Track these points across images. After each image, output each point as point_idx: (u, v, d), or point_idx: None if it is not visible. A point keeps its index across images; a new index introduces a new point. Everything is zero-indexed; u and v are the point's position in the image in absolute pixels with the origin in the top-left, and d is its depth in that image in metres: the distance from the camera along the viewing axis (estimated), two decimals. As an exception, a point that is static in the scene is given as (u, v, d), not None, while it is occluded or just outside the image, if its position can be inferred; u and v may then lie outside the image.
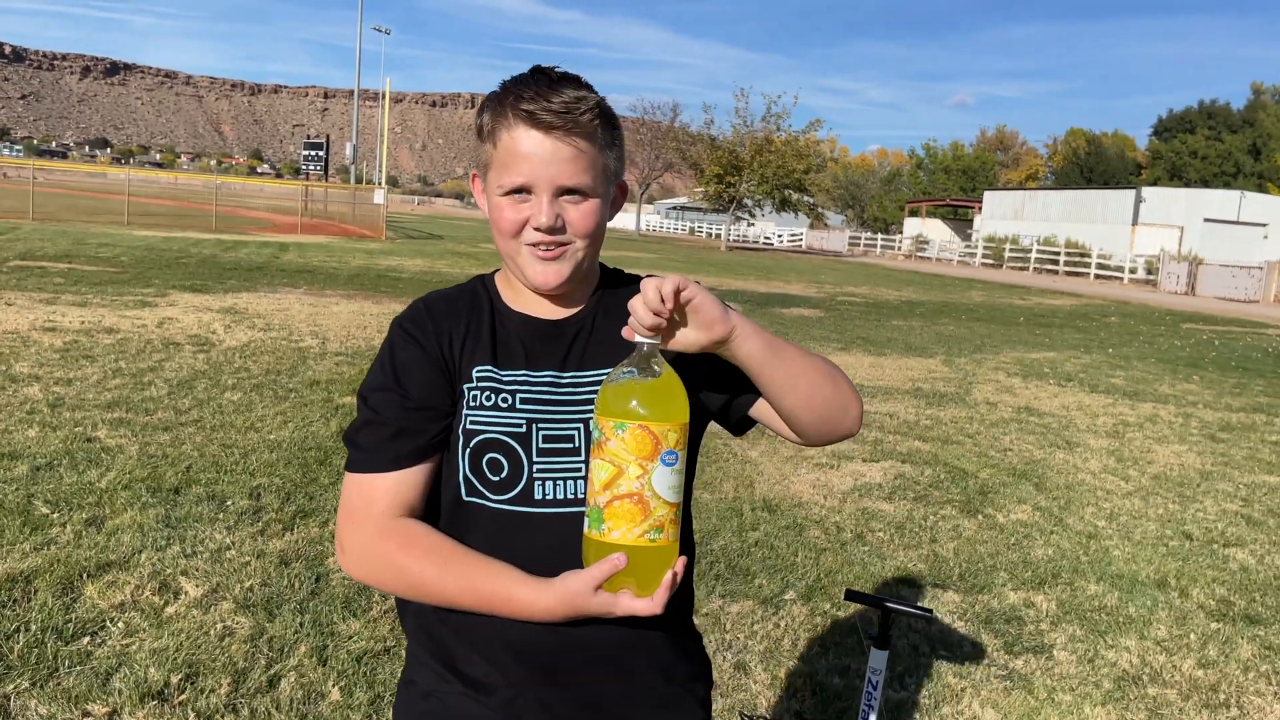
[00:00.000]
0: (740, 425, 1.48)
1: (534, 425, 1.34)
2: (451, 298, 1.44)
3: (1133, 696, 3.60)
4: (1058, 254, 48.25)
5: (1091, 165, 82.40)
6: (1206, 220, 47.35)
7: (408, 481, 1.34)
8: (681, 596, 1.36)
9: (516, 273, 1.39)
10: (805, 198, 52.90)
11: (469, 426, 1.34)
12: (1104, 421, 9.01)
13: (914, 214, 71.71)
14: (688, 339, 1.25)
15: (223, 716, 2.95)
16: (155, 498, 4.82)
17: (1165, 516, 6.01)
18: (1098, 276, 45.07)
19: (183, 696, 3.03)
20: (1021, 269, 49.24)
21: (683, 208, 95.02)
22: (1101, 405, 9.90)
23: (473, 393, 1.35)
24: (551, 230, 1.32)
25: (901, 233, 68.96)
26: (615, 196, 1.43)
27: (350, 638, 3.52)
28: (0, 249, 17.92)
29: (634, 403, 1.20)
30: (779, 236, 69.69)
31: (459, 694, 1.36)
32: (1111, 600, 4.53)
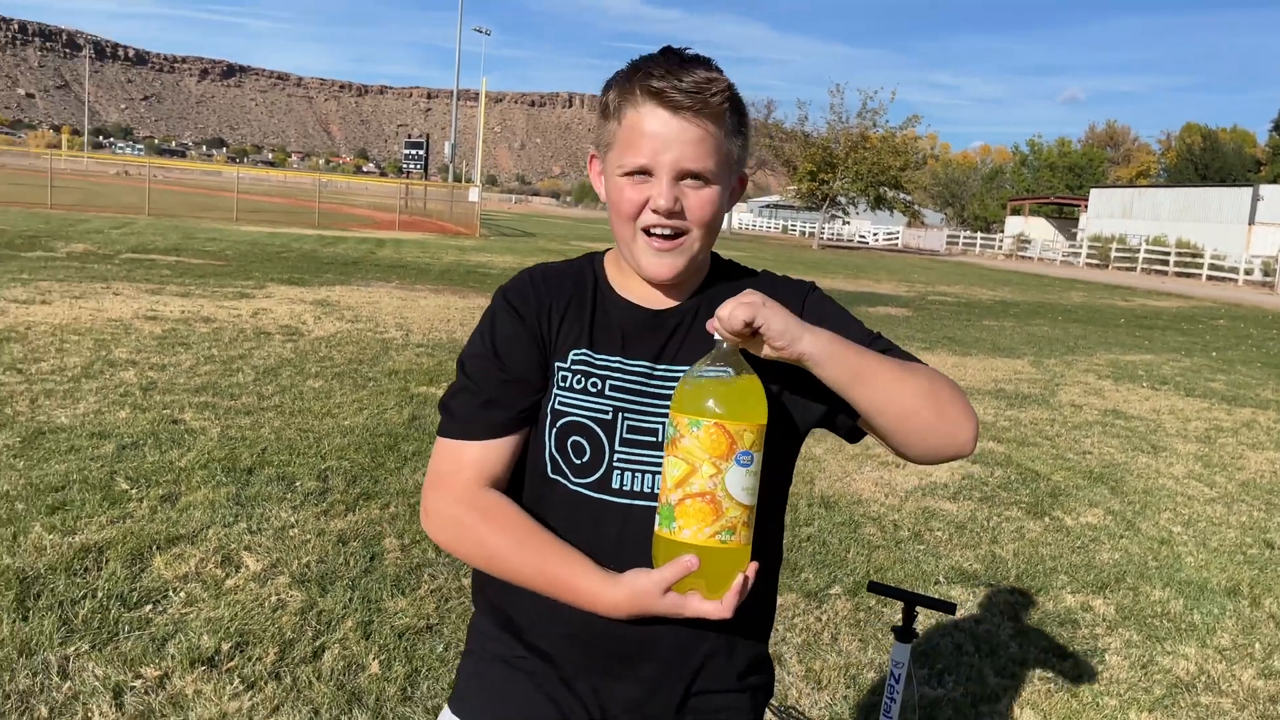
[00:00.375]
0: (852, 434, 1.42)
1: (620, 414, 1.33)
2: (558, 272, 1.44)
3: (1183, 704, 3.48)
4: (1168, 254, 46.38)
5: (1207, 162, 78.85)
6: (1331, 219, 44.96)
7: (495, 452, 1.35)
8: (758, 604, 1.35)
9: (630, 259, 1.37)
10: (901, 195, 52.00)
11: (557, 406, 1.34)
12: (1196, 426, 8.67)
13: (1016, 212, 69.80)
14: (762, 351, 1.24)
15: (266, 683, 3.09)
16: (229, 477, 5.04)
17: (1248, 524, 5.77)
18: (1210, 278, 43.18)
19: (231, 663, 3.18)
20: (1129, 269, 47.49)
21: (775, 205, 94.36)
22: (1195, 409, 9.52)
23: (563, 373, 1.35)
24: (670, 214, 1.29)
25: (1002, 231, 67.22)
26: (735, 187, 1.39)
27: (396, 614, 3.64)
28: (115, 242, 18.85)
29: (710, 401, 1.17)
30: (874, 235, 68.61)
31: (520, 657, 1.39)
32: (1176, 607, 4.38)
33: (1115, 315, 20.82)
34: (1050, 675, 3.63)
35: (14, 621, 3.29)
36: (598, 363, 1.35)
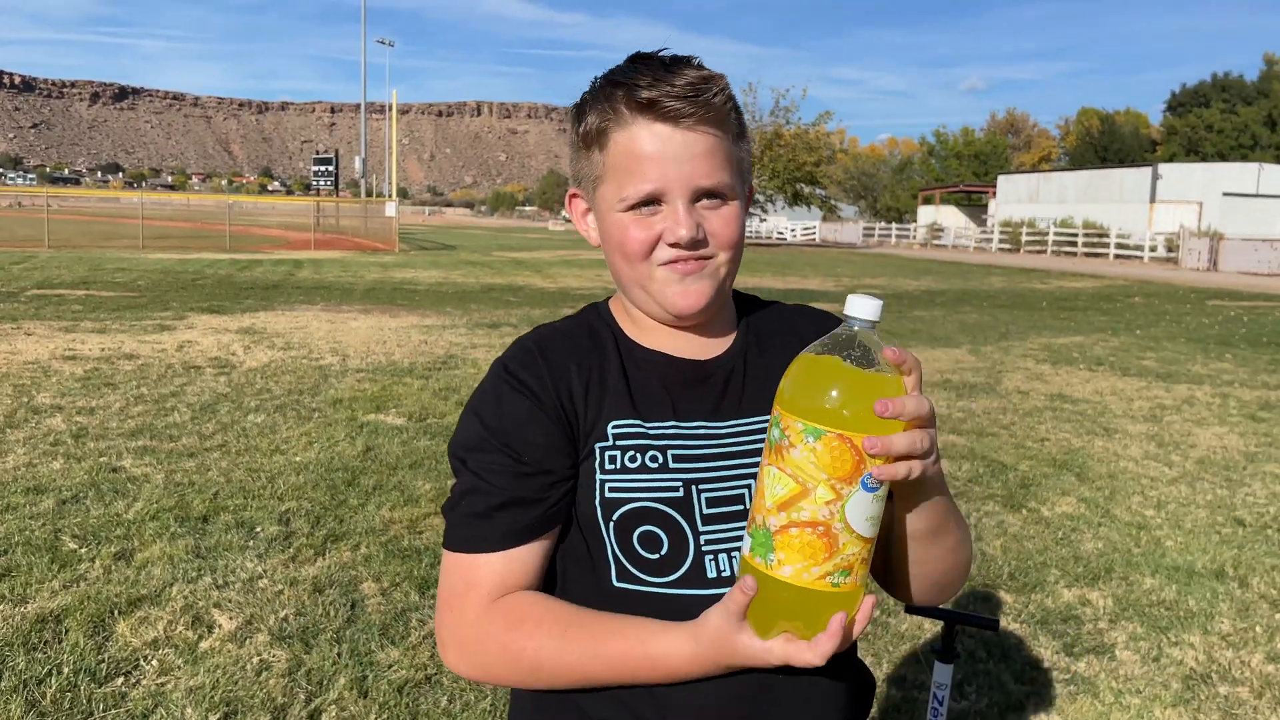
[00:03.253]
0: None
1: (694, 487, 1.10)
2: (567, 333, 1.20)
3: (1204, 696, 3.45)
4: (1076, 235, 47.85)
5: (1105, 144, 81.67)
6: (1225, 194, 46.77)
7: (519, 561, 1.10)
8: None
9: (645, 302, 1.15)
10: (817, 190, 52.74)
11: (609, 495, 1.10)
12: (1140, 406, 8.83)
13: (928, 202, 71.27)
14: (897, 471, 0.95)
15: (264, 757, 2.85)
16: (184, 527, 4.73)
17: (1215, 502, 5.84)
18: (1117, 256, 44.67)
19: (222, 738, 2.93)
20: (1039, 252, 48.86)
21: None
22: (1135, 389, 9.71)
23: (610, 453, 1.11)
24: (693, 244, 1.09)
25: (916, 221, 68.60)
26: (747, 199, 1.20)
27: (390, 667, 3.42)
28: (18, 278, 17.98)
29: (839, 399, 0.90)
30: (792, 231, 69.36)
31: None
32: (1169, 594, 4.38)
33: (1037, 299, 21.31)
34: (1067, 676, 3.57)
35: (-27, 711, 3.00)
36: (652, 431, 1.12)
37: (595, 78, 1.14)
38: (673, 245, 1.09)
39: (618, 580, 1.10)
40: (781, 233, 68.87)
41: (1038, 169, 77.68)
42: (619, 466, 1.10)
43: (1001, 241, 52.65)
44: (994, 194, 62.25)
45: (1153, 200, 47.95)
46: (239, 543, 4.57)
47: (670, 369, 1.17)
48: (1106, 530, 5.25)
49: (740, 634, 0.97)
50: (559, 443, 1.11)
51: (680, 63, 1.09)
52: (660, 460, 1.10)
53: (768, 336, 1.23)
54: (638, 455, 1.10)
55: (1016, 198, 58.20)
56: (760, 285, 22.91)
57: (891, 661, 3.64)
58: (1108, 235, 46.39)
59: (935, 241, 58.69)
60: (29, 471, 5.57)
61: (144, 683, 3.24)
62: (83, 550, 4.37)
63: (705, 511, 1.10)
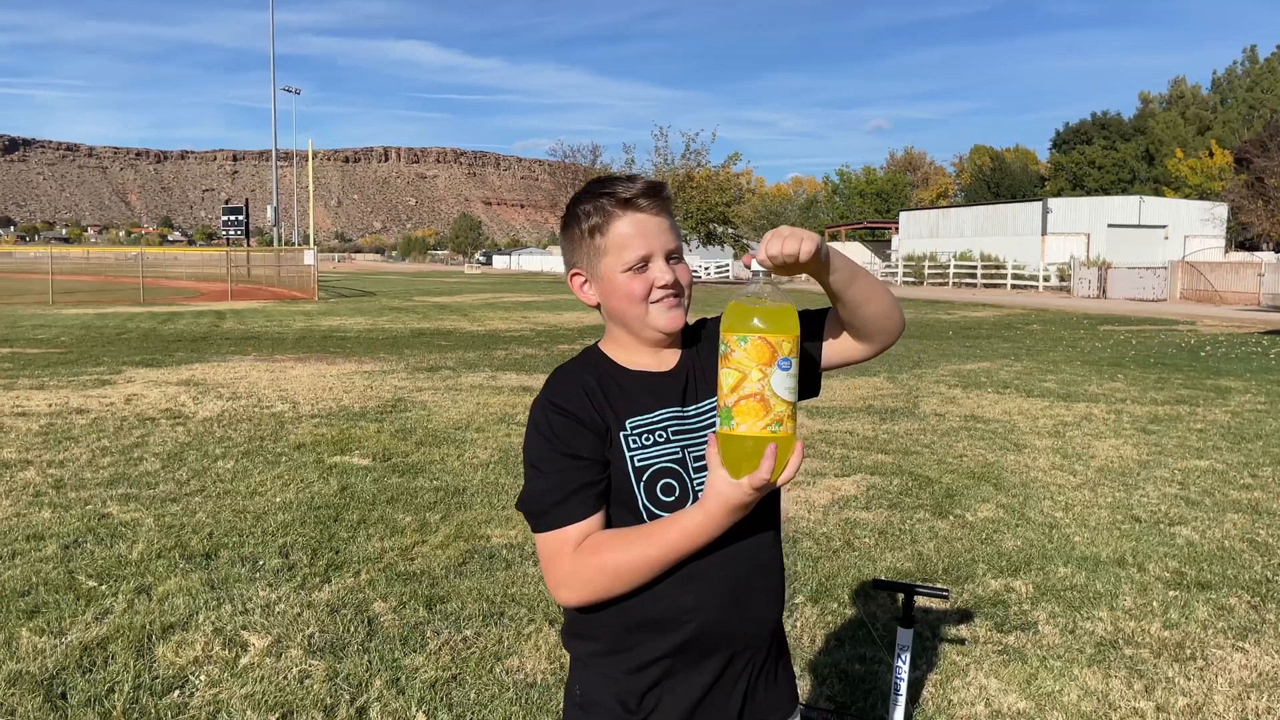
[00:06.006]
0: (815, 382, 1.75)
1: (686, 450, 1.63)
2: (579, 369, 1.71)
3: (1113, 658, 4.10)
4: (975, 268, 50.04)
5: (998, 180, 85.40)
6: (1110, 226, 49.53)
7: (594, 524, 1.58)
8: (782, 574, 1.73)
9: (643, 330, 1.66)
10: (729, 230, 54.04)
11: (638, 464, 1.61)
12: (1044, 423, 9.66)
13: (834, 238, 73.33)
14: (799, 256, 1.48)
15: (327, 745, 3.26)
16: (191, 564, 5.07)
17: (1114, 504, 6.59)
18: (1014, 286, 46.87)
19: (286, 732, 3.33)
20: (941, 284, 50.91)
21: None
22: (1039, 408, 10.58)
23: (631, 438, 1.62)
24: (675, 286, 1.64)
25: (823, 257, 70.23)
26: None
27: (417, 670, 3.85)
28: (-65, 338, 17.64)
29: (755, 320, 1.40)
30: (706, 269, 70.81)
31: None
32: (1080, 579, 5.05)
33: (944, 328, 22.45)
34: (1000, 648, 4.18)
35: (57, 722, 3.34)
36: (654, 419, 1.65)
37: (576, 195, 1.71)
38: (661, 288, 1.64)
39: (648, 519, 1.62)
40: (695, 271, 70.00)
41: (936, 205, 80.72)
42: (640, 445, 1.62)
43: (906, 275, 54.67)
44: (896, 230, 64.53)
45: (1044, 233, 50.44)
46: (247, 575, 4.93)
47: (650, 380, 1.70)
48: (1023, 530, 5.93)
49: (721, 481, 1.47)
50: (597, 442, 1.62)
51: (635, 177, 1.69)
52: (664, 436, 1.64)
53: (702, 346, 1.75)
54: (649, 436, 1.63)
55: (918, 233, 60.46)
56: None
57: (853, 643, 4.20)
58: (1004, 267, 48.63)
59: (843, 276, 60.33)
60: (21, 521, 5.82)
61: (199, 694, 3.62)
62: (103, 587, 4.69)
63: (694, 466, 1.63)
